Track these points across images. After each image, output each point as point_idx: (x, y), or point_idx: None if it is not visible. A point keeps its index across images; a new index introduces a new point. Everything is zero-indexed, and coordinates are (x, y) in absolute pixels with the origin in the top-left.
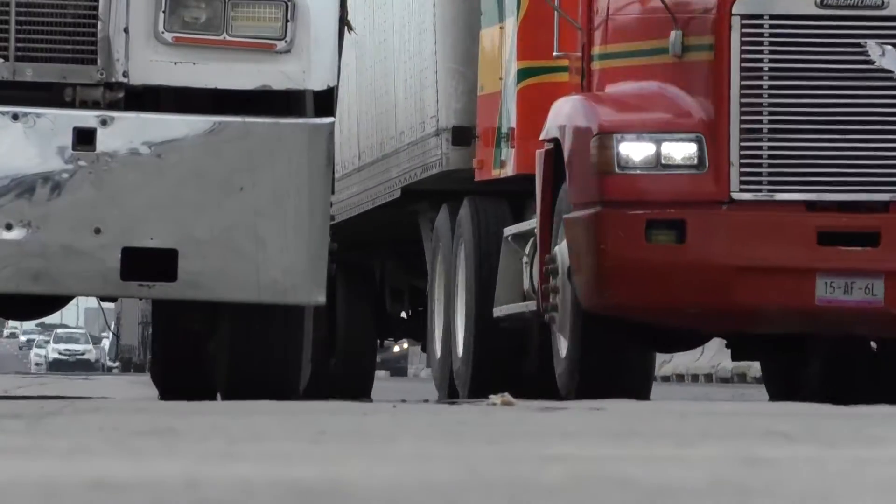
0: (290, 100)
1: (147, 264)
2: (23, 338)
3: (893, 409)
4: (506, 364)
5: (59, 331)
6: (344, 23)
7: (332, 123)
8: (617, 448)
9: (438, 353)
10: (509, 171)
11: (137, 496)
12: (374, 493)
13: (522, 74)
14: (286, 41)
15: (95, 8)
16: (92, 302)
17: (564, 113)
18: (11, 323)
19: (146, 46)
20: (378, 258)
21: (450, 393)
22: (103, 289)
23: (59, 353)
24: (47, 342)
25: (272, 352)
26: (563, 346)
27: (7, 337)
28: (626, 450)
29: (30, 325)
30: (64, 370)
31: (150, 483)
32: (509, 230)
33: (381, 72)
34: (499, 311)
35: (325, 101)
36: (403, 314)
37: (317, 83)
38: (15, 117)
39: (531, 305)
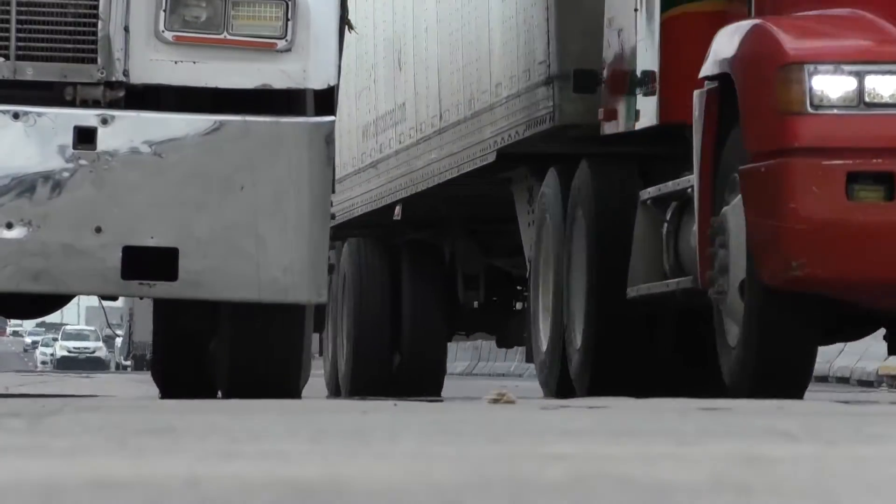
0: (291, 99)
1: (147, 263)
2: (28, 339)
3: (894, 407)
4: (637, 356)
5: (68, 327)
6: (345, 22)
7: (333, 122)
8: (618, 447)
9: (544, 346)
10: (648, 120)
11: (137, 495)
12: (374, 492)
13: (667, 3)
14: (287, 40)
15: (96, 7)
16: (93, 300)
17: (735, 43)
18: (13, 321)
19: (147, 45)
20: (447, 238)
21: (561, 391)
22: (104, 288)
23: (69, 351)
24: (55, 339)
25: (272, 351)
26: (732, 331)
27: (10, 335)
28: (627, 448)
29: (30, 324)
30: (73, 368)
31: (150, 482)
32: (648, 193)
33: (470, 15)
34: (635, 291)
35: (325, 100)
36: (476, 303)
37: (317, 82)
38: (15, 116)
39: (683, 282)
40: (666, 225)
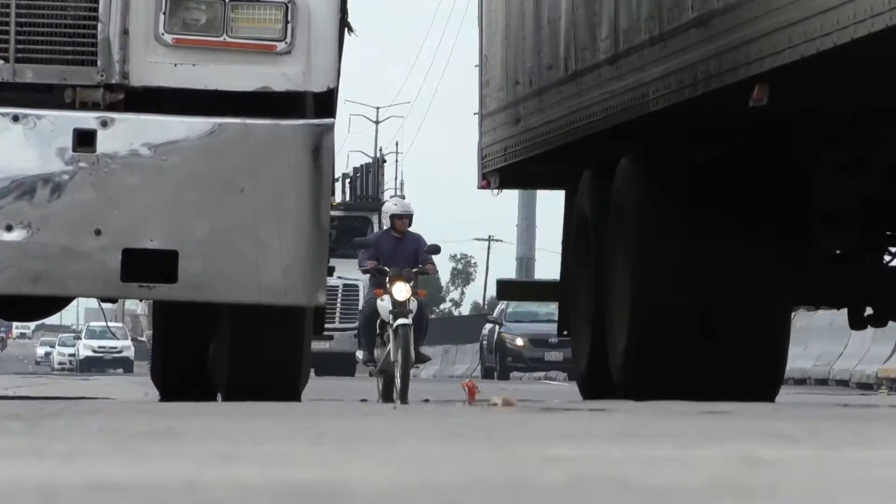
0: (291, 101)
1: (147, 265)
2: (41, 350)
3: (893, 410)
4: None
5: (93, 324)
6: (344, 24)
7: (333, 124)
8: (617, 449)
9: None
10: None
11: (137, 498)
12: (374, 494)
13: None
14: (286, 43)
15: (95, 9)
16: (92, 302)
17: None
18: (19, 323)
19: (146, 48)
20: (797, 151)
21: None
22: (103, 290)
23: (93, 351)
24: (76, 338)
25: (272, 353)
26: None
27: (17, 338)
28: (627, 451)
29: (30, 326)
30: (98, 369)
31: (150, 485)
32: None
33: None
34: None
35: (325, 103)
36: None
37: (317, 85)
38: (15, 119)
39: None
40: None
